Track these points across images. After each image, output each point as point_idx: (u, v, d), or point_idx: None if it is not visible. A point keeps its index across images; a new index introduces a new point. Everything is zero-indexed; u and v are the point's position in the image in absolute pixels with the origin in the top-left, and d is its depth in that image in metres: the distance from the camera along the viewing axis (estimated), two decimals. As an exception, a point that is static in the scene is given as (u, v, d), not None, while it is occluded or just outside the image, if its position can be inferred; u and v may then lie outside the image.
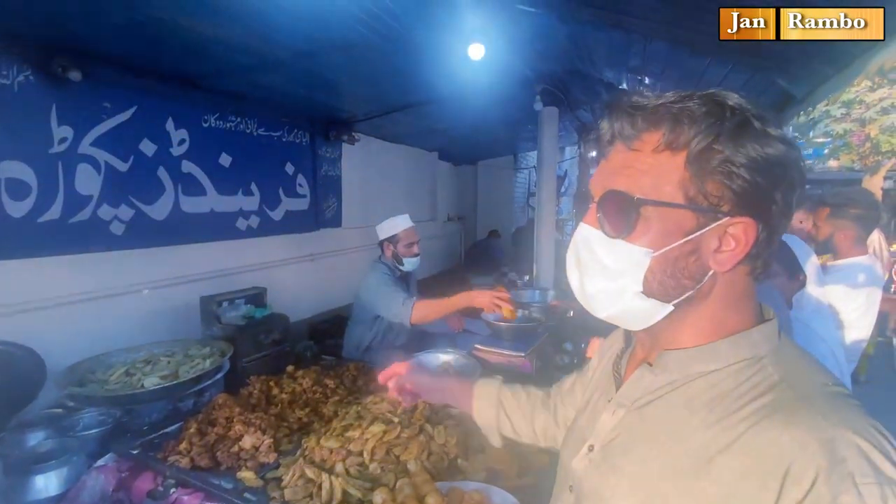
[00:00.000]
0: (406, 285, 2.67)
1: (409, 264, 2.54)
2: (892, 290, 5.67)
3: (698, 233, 0.51)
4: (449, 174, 6.72)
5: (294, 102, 3.31)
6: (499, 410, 1.02)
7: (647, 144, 0.53)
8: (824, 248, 1.98)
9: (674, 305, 0.54)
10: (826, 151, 8.81)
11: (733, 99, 0.50)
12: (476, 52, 2.17)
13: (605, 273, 0.56)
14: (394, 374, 1.15)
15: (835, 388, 0.49)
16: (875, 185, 7.84)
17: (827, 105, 7.18)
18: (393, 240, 2.50)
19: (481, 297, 2.13)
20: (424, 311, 2.21)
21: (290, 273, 3.80)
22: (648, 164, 0.52)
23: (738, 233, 0.50)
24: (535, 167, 7.29)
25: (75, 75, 2.17)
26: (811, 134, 8.47)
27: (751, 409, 0.49)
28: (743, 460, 0.46)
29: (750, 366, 0.52)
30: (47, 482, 1.36)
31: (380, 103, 3.48)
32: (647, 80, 2.69)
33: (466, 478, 1.25)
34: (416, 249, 2.53)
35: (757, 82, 1.96)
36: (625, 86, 2.97)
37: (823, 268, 1.95)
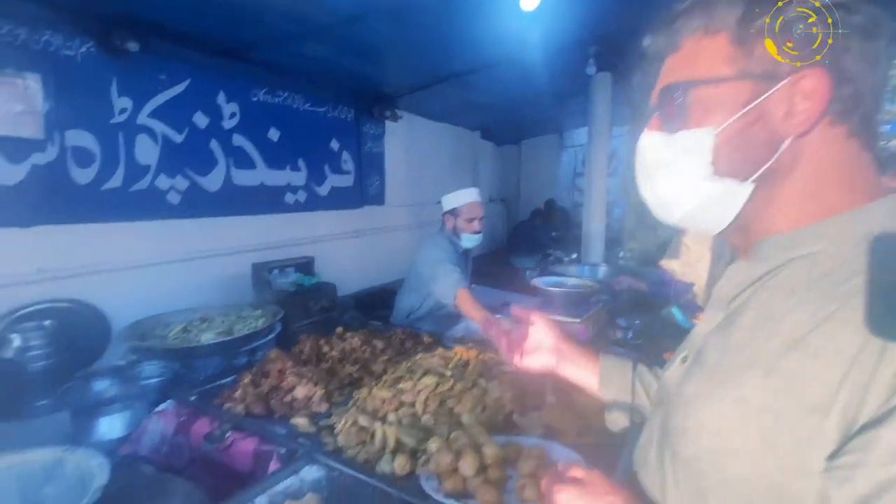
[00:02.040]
0: (465, 262, 2.61)
1: (467, 241, 2.43)
2: None
3: (759, 100, 0.49)
4: (491, 154, 6.59)
5: (339, 75, 3.30)
6: (634, 381, 0.87)
7: (689, 41, 0.54)
8: None
9: (753, 182, 0.51)
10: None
11: None
12: (528, 2, 2.05)
13: (675, 167, 0.55)
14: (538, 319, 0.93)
15: None
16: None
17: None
18: (454, 213, 2.42)
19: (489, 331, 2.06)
20: (464, 304, 2.14)
21: (336, 249, 3.83)
22: (693, 52, 0.53)
23: (807, 88, 0.47)
24: (581, 146, 7.03)
25: (133, 46, 2.23)
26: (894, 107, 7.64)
27: (856, 282, 0.42)
28: (839, 330, 0.41)
29: (865, 241, 0.45)
30: (111, 425, 1.41)
31: (425, 74, 3.40)
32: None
33: (523, 434, 1.19)
34: (476, 226, 2.41)
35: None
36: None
37: None
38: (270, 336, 1.92)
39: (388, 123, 4.27)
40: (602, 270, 3.12)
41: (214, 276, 2.77)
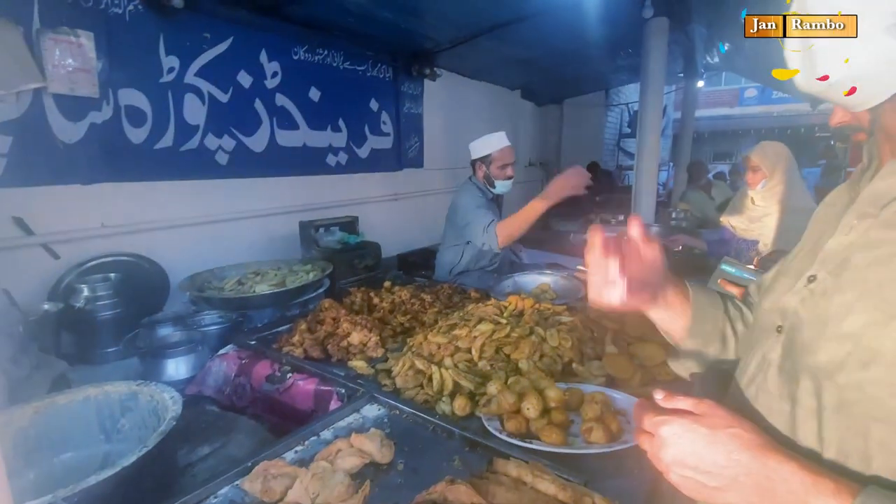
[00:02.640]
0: (497, 209, 2.55)
1: (502, 187, 2.38)
2: None
3: None
4: (532, 115, 6.36)
5: (378, 29, 3.20)
6: (726, 328, 0.77)
7: None
8: None
9: None
10: None
11: None
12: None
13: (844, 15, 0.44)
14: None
15: None
16: None
17: None
18: (486, 160, 2.34)
19: (564, 184, 1.96)
20: (507, 230, 2.07)
21: (377, 211, 3.83)
22: None
23: None
24: (628, 104, 6.67)
25: (178, 2, 2.22)
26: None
27: None
28: None
29: None
30: (178, 367, 1.47)
31: (467, 25, 3.25)
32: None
33: (583, 382, 1.15)
34: (510, 172, 2.35)
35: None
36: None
37: None
38: (320, 290, 1.94)
39: (426, 83, 4.16)
40: (654, 230, 2.98)
41: (263, 234, 2.83)
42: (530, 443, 0.90)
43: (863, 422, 0.44)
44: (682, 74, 5.45)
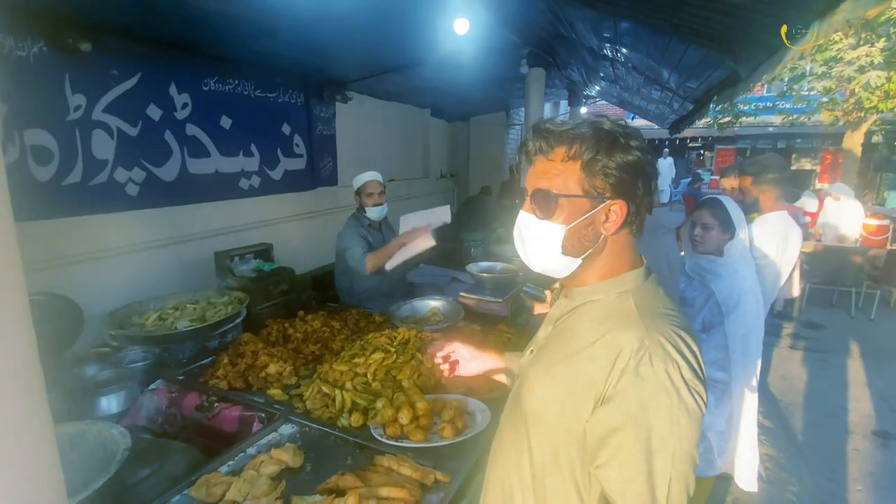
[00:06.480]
0: (379, 232, 2.95)
1: (372, 213, 2.83)
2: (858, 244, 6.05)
3: (592, 212, 0.78)
4: (441, 130, 6.82)
5: (289, 65, 3.44)
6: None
7: (558, 156, 0.80)
8: (752, 207, 2.27)
9: (582, 259, 0.82)
10: (816, 105, 8.87)
11: (608, 125, 0.79)
12: (461, 27, 2.32)
13: (537, 242, 0.84)
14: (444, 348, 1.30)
15: (665, 311, 0.78)
16: (856, 141, 8.04)
17: (811, 62, 7.24)
18: (359, 192, 2.82)
19: (406, 237, 2.67)
20: (374, 261, 2.62)
21: (292, 230, 4.03)
22: (559, 169, 0.79)
23: (616, 210, 0.78)
24: (523, 125, 7.39)
25: (86, 47, 2.32)
26: (799, 87, 8.52)
27: (612, 321, 0.78)
28: (600, 347, 0.76)
29: (620, 295, 0.81)
30: (109, 403, 1.67)
31: (372, 65, 3.60)
32: (623, 50, 2.83)
33: (448, 392, 1.57)
34: (377, 199, 2.81)
35: (711, 59, 2.14)
36: (607, 52, 3.10)
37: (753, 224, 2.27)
38: (238, 320, 2.19)
39: (338, 105, 4.40)
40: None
41: (178, 262, 2.95)
42: (401, 442, 1.29)
43: (528, 428, 0.86)
44: (567, 104, 6.22)
